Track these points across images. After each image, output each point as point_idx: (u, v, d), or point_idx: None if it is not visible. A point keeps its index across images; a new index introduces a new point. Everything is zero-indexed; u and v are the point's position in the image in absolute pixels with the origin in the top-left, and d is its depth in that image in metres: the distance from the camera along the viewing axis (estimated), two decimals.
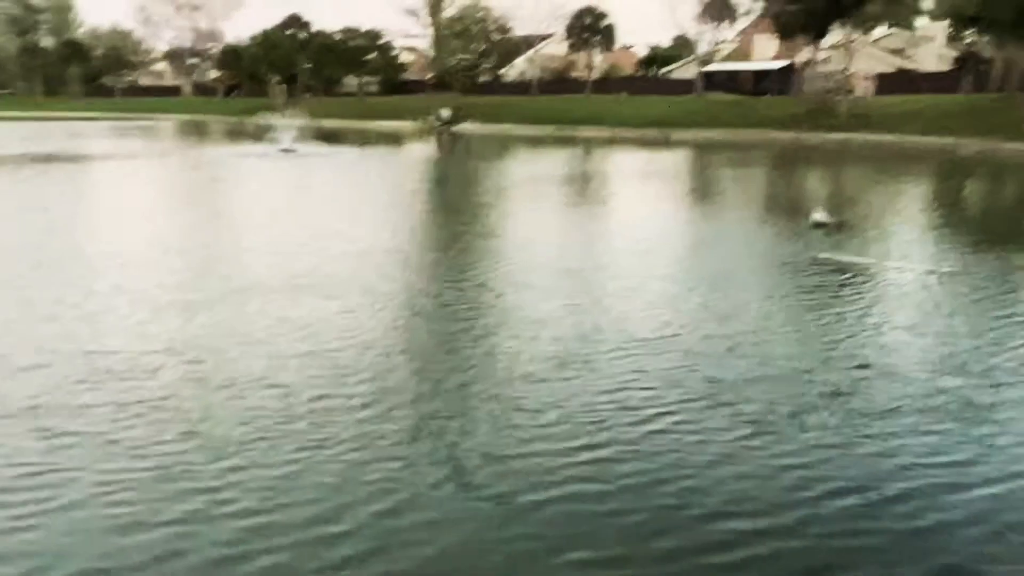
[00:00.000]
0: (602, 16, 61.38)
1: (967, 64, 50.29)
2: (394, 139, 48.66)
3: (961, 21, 49.12)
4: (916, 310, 9.79)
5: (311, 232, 15.16)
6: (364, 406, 6.55)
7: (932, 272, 11.67)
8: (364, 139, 46.50)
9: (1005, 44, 41.45)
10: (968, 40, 52.50)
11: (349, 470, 5.51)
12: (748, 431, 6.13)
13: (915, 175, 29.18)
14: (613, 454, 5.76)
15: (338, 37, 76.40)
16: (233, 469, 5.50)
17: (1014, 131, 34.65)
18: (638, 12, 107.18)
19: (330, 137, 45.15)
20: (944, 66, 56.01)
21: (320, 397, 6.71)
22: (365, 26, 76.39)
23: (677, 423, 6.27)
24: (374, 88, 78.53)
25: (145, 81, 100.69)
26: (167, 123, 66.58)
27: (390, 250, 13.43)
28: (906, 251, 13.56)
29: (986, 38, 46.24)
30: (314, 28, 78.08)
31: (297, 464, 5.57)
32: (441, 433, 6.09)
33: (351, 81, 79.22)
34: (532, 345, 8.14)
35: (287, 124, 38.17)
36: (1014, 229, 17.13)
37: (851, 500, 5.17)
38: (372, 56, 76.36)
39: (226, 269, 11.96)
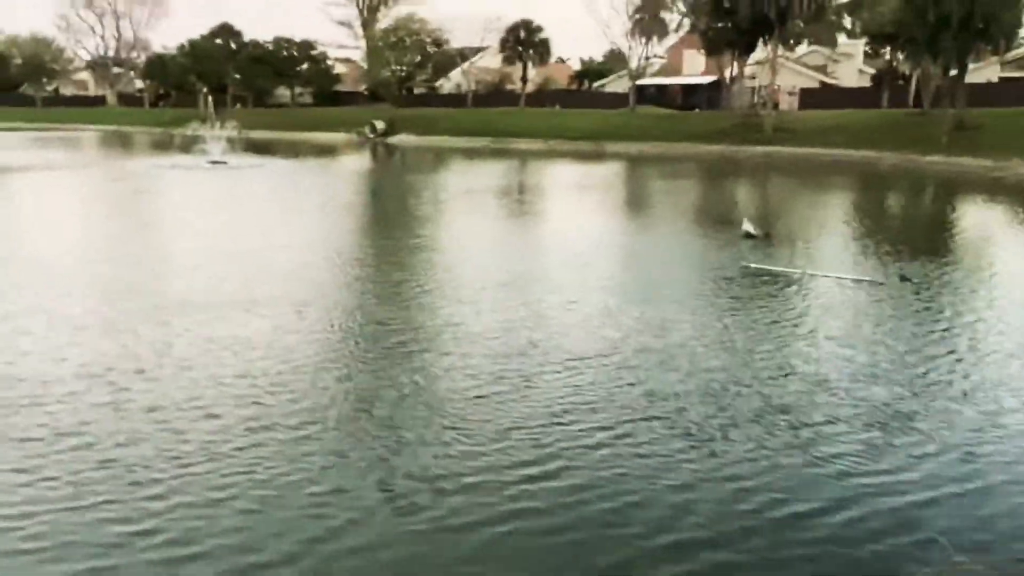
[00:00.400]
0: (537, 30, 61.84)
1: (885, 80, 52.42)
2: (328, 150, 48.03)
3: (879, 39, 51.21)
4: (842, 319, 10.03)
5: (242, 246, 14.77)
6: (295, 429, 6.35)
7: (856, 281, 12.02)
8: (297, 151, 45.74)
9: (920, 61, 43.27)
10: (886, 57, 54.71)
11: (282, 497, 5.32)
12: (686, 444, 6.15)
13: (838, 187, 30.17)
14: (553, 473, 5.69)
15: (270, 47, 75.17)
16: (156, 498, 5.24)
17: (931, 145, 36.18)
18: (572, 26, 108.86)
19: (261, 148, 44.28)
20: (863, 82, 58.24)
21: (250, 420, 6.48)
22: (298, 36, 75.50)
23: (616, 439, 6.24)
24: (307, 99, 77.47)
25: (67, 91, 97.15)
26: (90, 134, 64.32)
27: (324, 265, 13.17)
28: (831, 261, 13.93)
29: (902, 55, 48.23)
30: (245, 38, 76.66)
31: (226, 491, 5.35)
32: (376, 455, 5.94)
33: (283, 92, 78.01)
34: (469, 361, 8.04)
35: (216, 135, 37.28)
36: (933, 240, 17.81)
37: (790, 511, 5.23)
38: (304, 67, 75.34)
39: (151, 286, 11.52)
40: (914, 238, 18.06)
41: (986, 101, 40.24)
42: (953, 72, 39.76)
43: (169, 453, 5.90)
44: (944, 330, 9.52)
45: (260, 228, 17.55)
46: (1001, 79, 49.38)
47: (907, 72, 50.96)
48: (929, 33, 36.92)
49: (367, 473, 5.69)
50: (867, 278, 12.19)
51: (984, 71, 47.69)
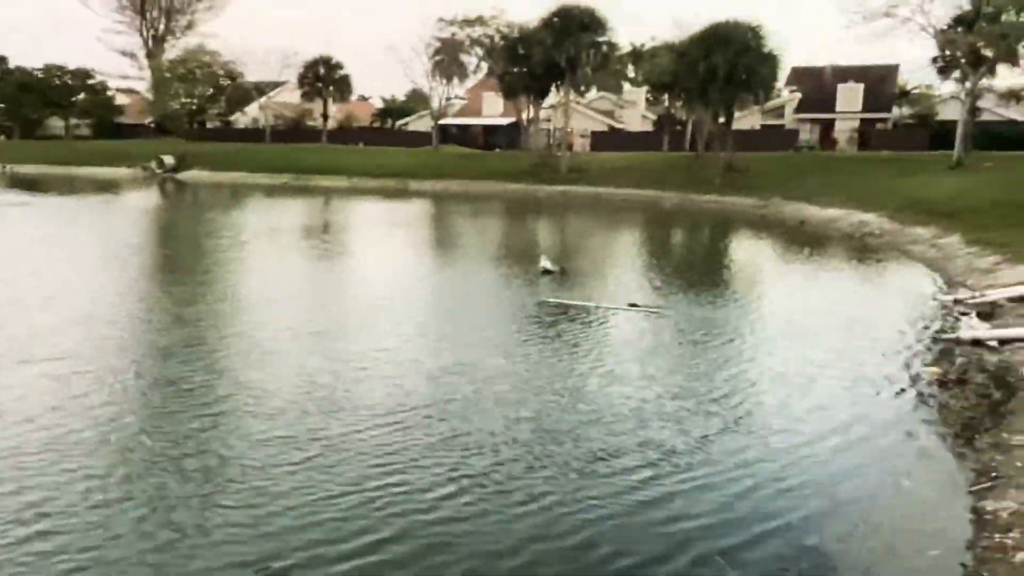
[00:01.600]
0: (337, 67, 61.23)
1: (665, 125, 57.11)
2: (109, 187, 44.49)
3: (658, 88, 55.71)
4: (630, 352, 10.67)
5: (6, 298, 13.23)
6: (51, 518, 5.73)
7: (646, 311, 12.93)
8: (73, 187, 42.01)
9: (694, 109, 47.62)
10: (665, 104, 59.57)
11: None
12: (510, 501, 6.22)
13: (627, 224, 32.29)
14: (374, 547, 5.48)
15: (39, 75, 68.91)
16: None
17: (706, 185, 39.76)
18: (373, 64, 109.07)
19: (30, 184, 40.29)
20: (647, 126, 62.98)
21: (25, 500, 5.79)
22: (72, 64, 69.76)
23: (437, 503, 6.15)
24: (85, 131, 71.60)
25: None
26: None
27: (101, 317, 12.03)
28: (618, 293, 14.81)
29: (679, 103, 52.80)
30: (10, 64, 69.76)
31: None
32: (173, 544, 5.45)
33: (57, 123, 71.66)
34: (271, 425, 7.64)
35: None
36: (708, 271, 19.50)
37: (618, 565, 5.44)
38: (81, 96, 69.67)
39: None
40: (691, 269, 19.66)
41: (751, 146, 44.96)
42: (722, 119, 44.06)
43: None
44: (720, 359, 10.39)
45: (23, 276, 15.73)
46: (762, 126, 55.38)
47: (684, 118, 55.72)
48: (699, 84, 40.84)
49: (148, 567, 5.22)
50: (654, 309, 13.09)
51: (748, 119, 53.20)
